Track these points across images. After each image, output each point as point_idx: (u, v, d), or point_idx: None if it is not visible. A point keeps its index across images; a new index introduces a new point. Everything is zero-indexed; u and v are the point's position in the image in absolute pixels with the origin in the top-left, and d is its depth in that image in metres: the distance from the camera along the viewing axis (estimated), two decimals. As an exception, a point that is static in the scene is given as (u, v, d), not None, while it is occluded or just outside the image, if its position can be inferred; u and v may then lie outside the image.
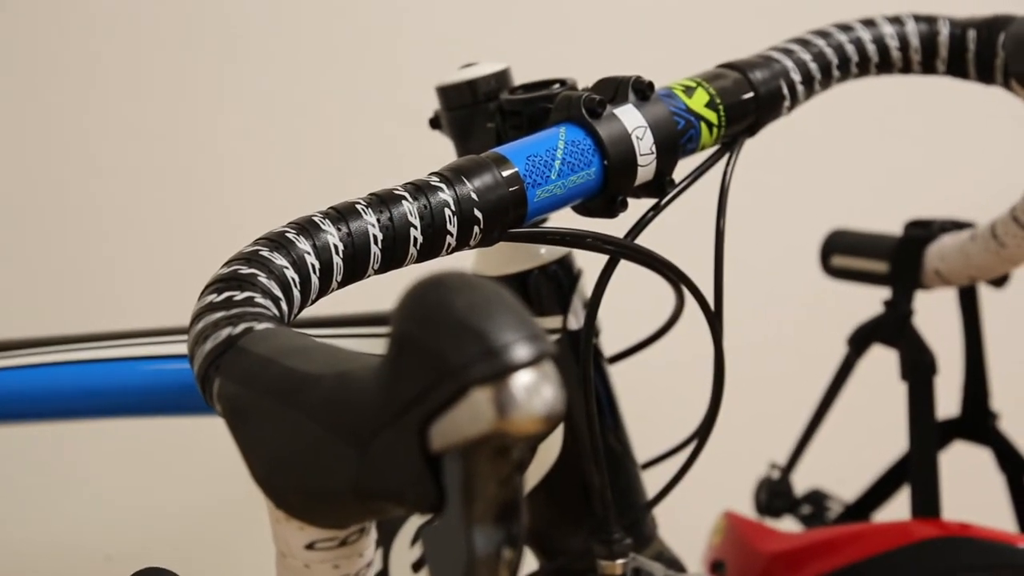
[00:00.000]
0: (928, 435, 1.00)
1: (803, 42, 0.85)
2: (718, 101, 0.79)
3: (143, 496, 1.64)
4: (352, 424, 0.45)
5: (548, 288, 0.85)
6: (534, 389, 0.42)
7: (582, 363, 0.80)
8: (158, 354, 0.87)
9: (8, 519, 1.63)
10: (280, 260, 0.59)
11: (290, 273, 0.59)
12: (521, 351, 0.42)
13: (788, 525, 1.13)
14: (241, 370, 0.50)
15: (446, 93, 0.83)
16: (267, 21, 1.58)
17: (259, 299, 0.55)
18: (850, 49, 0.85)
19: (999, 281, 1.03)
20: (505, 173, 0.67)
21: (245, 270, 0.57)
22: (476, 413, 0.42)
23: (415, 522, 0.87)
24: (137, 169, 1.58)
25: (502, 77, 0.83)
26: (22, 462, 1.59)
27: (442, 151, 0.86)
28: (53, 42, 1.55)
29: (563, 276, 0.86)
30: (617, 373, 0.91)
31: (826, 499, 1.17)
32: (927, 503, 0.98)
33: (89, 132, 1.57)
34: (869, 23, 0.87)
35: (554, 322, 0.85)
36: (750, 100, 0.81)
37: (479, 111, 0.82)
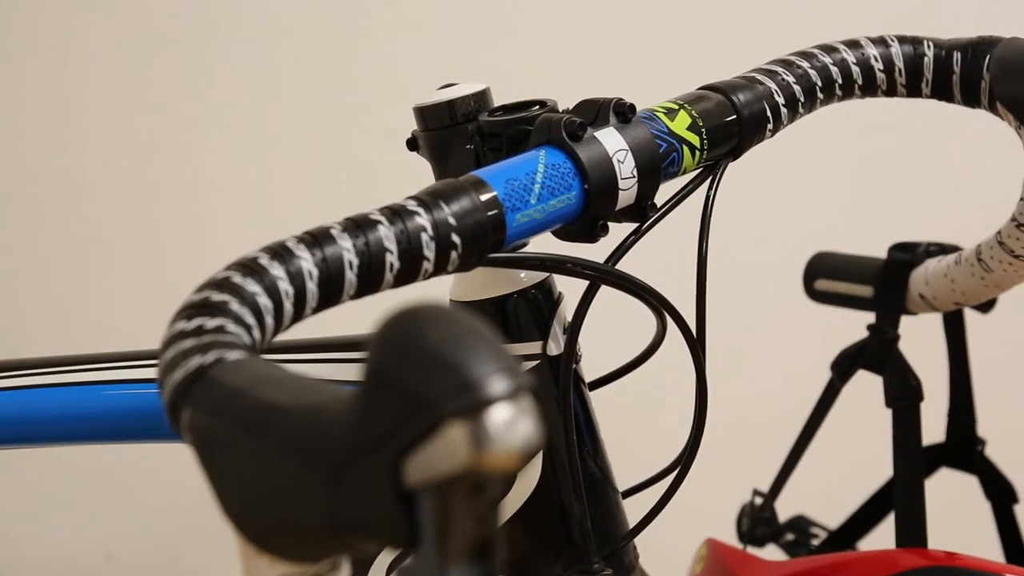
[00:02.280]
0: (913, 462, 0.99)
1: (787, 63, 0.84)
2: (700, 124, 0.78)
3: (143, 496, 1.63)
4: (324, 457, 0.44)
5: (528, 313, 0.84)
6: (510, 424, 0.41)
7: (562, 389, 0.79)
8: (127, 379, 0.86)
9: (8, 518, 1.63)
10: (253, 286, 0.57)
11: (263, 300, 0.58)
12: (497, 385, 0.41)
13: (771, 553, 1.12)
14: (211, 401, 0.50)
15: (424, 114, 0.82)
16: (249, 39, 1.57)
17: (231, 327, 0.54)
18: (834, 71, 0.84)
19: (985, 306, 1.02)
20: (484, 197, 0.66)
21: (217, 296, 0.56)
22: (451, 449, 0.41)
23: (391, 552, 0.85)
24: (105, 190, 1.57)
25: (481, 98, 0.81)
26: (22, 461, 1.58)
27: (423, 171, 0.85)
28: (44, 54, 1.54)
29: (543, 301, 0.84)
30: (598, 399, 0.90)
31: (810, 526, 1.16)
32: (912, 531, 0.97)
33: (61, 157, 1.56)
34: (853, 44, 0.86)
35: (534, 347, 0.83)
36: (733, 123, 0.80)
37: (457, 132, 0.81)
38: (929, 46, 0.86)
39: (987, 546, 1.01)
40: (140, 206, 1.58)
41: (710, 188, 0.80)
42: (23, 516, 1.64)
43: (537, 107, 0.78)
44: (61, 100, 1.57)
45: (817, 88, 0.83)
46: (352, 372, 0.82)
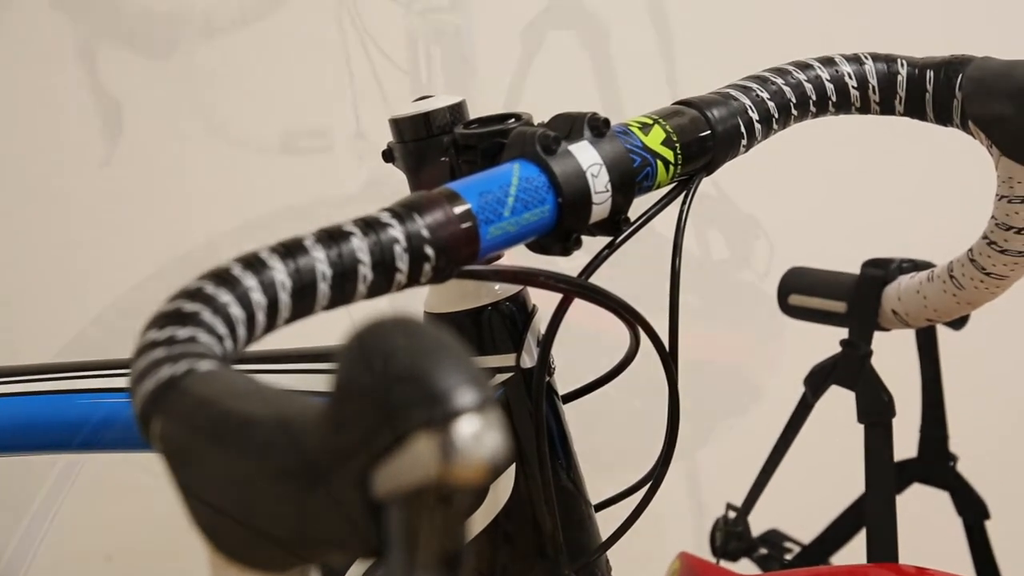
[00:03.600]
0: (885, 477, 0.99)
1: (761, 80, 0.84)
2: (675, 138, 0.78)
3: (143, 496, 1.62)
4: (293, 469, 0.44)
5: (501, 325, 0.84)
6: (478, 436, 0.41)
7: (534, 401, 0.79)
8: (102, 388, 0.86)
9: (9, 518, 1.62)
10: (225, 297, 0.57)
11: (235, 310, 0.57)
12: (464, 397, 0.41)
13: (745, 567, 1.12)
14: (181, 412, 0.49)
15: (399, 125, 0.82)
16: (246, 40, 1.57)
17: (202, 337, 0.54)
18: (808, 88, 0.84)
19: (958, 323, 1.02)
20: (457, 210, 0.66)
21: (189, 306, 0.56)
22: (418, 460, 0.41)
23: (362, 565, 0.85)
24: (77, 199, 1.57)
25: (457, 110, 0.82)
26: (22, 461, 1.58)
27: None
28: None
29: (517, 313, 0.84)
30: (571, 412, 0.90)
31: (783, 541, 1.16)
32: (884, 547, 0.97)
33: (43, 165, 1.56)
34: (828, 62, 0.86)
35: (507, 360, 0.84)
36: (707, 138, 0.80)
37: (433, 144, 0.81)
38: (903, 64, 0.86)
39: (958, 562, 1.01)
40: (134, 211, 1.58)
41: (684, 203, 0.81)
42: (23, 516, 1.64)
43: (512, 120, 0.79)
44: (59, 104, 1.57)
45: (791, 104, 0.84)
46: (323, 383, 0.82)
